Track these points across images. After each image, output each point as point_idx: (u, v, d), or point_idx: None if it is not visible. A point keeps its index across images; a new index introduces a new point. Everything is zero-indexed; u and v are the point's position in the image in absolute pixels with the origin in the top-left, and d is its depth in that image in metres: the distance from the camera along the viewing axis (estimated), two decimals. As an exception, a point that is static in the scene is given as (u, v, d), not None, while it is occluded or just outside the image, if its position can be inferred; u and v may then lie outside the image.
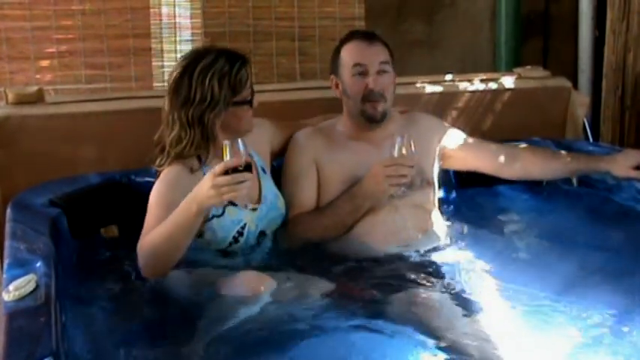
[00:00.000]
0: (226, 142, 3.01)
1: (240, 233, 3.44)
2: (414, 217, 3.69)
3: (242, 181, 2.97)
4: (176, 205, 3.10)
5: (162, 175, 3.38)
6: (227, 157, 2.98)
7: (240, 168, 2.96)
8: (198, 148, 3.37)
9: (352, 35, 3.80)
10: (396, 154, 3.41)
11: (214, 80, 3.34)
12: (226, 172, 2.95)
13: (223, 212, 3.38)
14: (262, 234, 3.55)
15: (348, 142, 3.77)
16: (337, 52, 3.79)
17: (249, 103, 3.46)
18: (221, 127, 3.41)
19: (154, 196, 3.32)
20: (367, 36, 3.76)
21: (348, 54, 3.72)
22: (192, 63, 3.39)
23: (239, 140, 3.02)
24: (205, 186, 2.99)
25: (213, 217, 3.36)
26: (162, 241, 3.11)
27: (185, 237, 3.12)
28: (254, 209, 3.46)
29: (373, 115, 3.69)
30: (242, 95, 3.42)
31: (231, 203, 3.38)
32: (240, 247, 3.48)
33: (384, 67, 3.68)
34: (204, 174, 3.15)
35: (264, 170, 3.63)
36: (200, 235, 3.34)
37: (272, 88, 4.45)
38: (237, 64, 3.40)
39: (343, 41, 3.79)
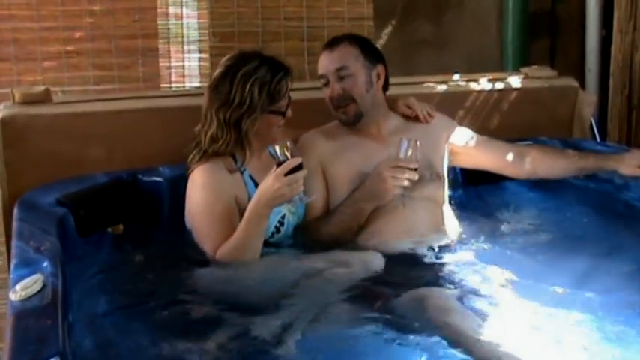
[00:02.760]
0: (277, 145, 3.25)
1: (282, 223, 3.54)
2: (426, 211, 3.71)
3: (302, 178, 3.27)
4: (229, 211, 3.41)
5: (200, 177, 3.47)
6: (280, 157, 3.23)
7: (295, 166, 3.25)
8: (233, 149, 3.48)
9: None
10: (401, 156, 3.43)
11: (255, 87, 3.44)
12: (291, 171, 3.24)
13: None
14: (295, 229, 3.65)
15: (353, 140, 3.78)
16: None
17: (283, 114, 3.54)
18: (254, 133, 3.50)
19: (203, 207, 3.45)
20: (329, 44, 3.79)
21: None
22: (235, 65, 3.49)
23: (288, 142, 3.25)
24: (274, 187, 3.24)
25: None
26: (241, 252, 3.35)
27: (260, 239, 3.38)
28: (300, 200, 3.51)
29: (346, 121, 3.76)
30: (278, 105, 3.51)
31: None
32: (281, 238, 3.57)
33: (342, 72, 3.70)
34: (241, 175, 3.47)
35: None
36: None
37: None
38: (279, 74, 3.50)
39: None
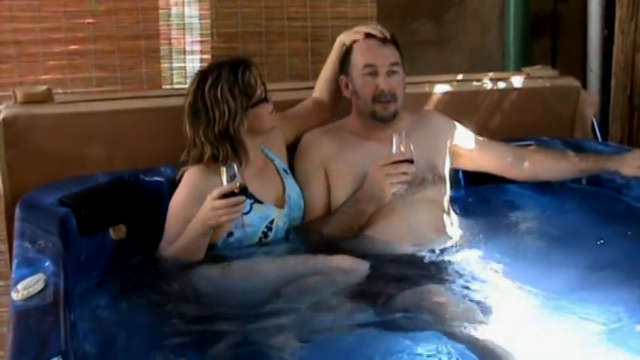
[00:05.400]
0: (223, 168, 3.24)
1: (269, 228, 3.55)
2: (428, 212, 3.71)
3: (237, 204, 3.24)
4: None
5: (188, 176, 3.50)
6: (224, 181, 3.22)
7: (236, 191, 3.20)
8: (232, 159, 3.45)
9: (364, 35, 3.79)
10: (394, 151, 3.42)
11: (226, 93, 3.44)
12: (224, 196, 3.21)
13: (250, 209, 3.49)
14: (287, 231, 3.65)
15: (358, 141, 3.78)
16: (348, 52, 3.80)
17: (265, 99, 3.53)
18: (247, 132, 3.51)
19: (176, 203, 3.48)
20: (380, 35, 3.76)
21: (360, 54, 3.75)
22: (199, 85, 3.50)
23: (234, 165, 3.23)
24: (206, 207, 3.26)
25: (242, 214, 3.45)
26: (181, 255, 3.40)
27: (198, 252, 3.41)
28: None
29: (384, 116, 3.71)
30: (256, 96, 3.51)
31: (257, 201, 3.52)
32: (270, 243, 3.56)
33: (394, 68, 3.70)
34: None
35: (285, 171, 3.73)
36: (230, 234, 3.48)
37: (282, 87, 4.44)
38: (240, 69, 3.49)
39: (354, 41, 3.80)
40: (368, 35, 3.78)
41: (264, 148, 3.70)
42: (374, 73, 3.69)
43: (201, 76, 3.53)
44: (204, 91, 3.46)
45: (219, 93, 3.44)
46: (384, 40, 3.75)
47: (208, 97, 3.45)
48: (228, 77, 3.46)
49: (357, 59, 3.75)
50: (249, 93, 3.48)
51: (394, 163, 3.42)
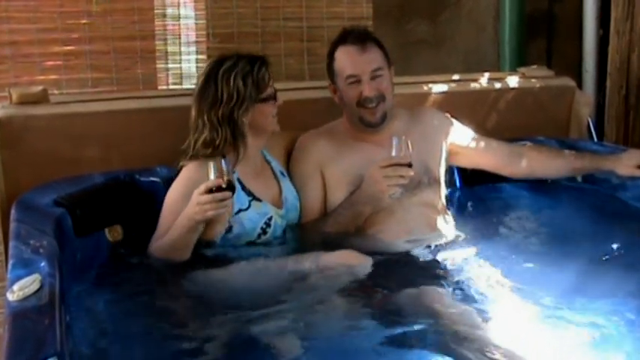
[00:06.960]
0: (210, 163, 3.22)
1: (268, 224, 3.56)
2: (424, 215, 3.72)
3: (223, 199, 3.22)
4: None
5: (184, 172, 3.50)
6: (211, 176, 3.19)
7: (224, 186, 3.18)
8: (229, 148, 3.48)
9: (344, 38, 3.75)
10: (393, 154, 3.41)
11: (239, 79, 3.47)
12: (210, 191, 3.20)
13: (249, 206, 3.51)
14: (285, 231, 3.67)
15: (353, 142, 3.78)
16: (331, 57, 3.78)
17: (274, 98, 3.57)
18: (249, 126, 3.52)
19: (170, 197, 3.49)
20: (359, 40, 3.72)
21: (342, 64, 3.73)
22: (215, 67, 3.52)
23: (222, 161, 3.21)
24: (192, 203, 3.25)
25: (240, 210, 3.50)
26: (168, 251, 3.40)
27: (185, 248, 3.41)
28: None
29: (372, 122, 3.71)
30: (266, 92, 3.55)
31: (256, 198, 3.54)
32: (268, 240, 3.58)
33: (377, 72, 3.68)
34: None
35: (282, 174, 3.74)
36: (229, 230, 3.49)
37: (278, 88, 4.44)
38: (257, 63, 3.53)
39: (336, 43, 3.77)
40: (347, 38, 3.75)
41: (262, 150, 3.70)
42: (357, 82, 3.68)
43: (218, 60, 3.56)
44: (217, 72, 3.49)
45: (232, 77, 3.47)
46: (363, 45, 3.70)
47: (221, 78, 3.48)
48: (245, 66, 3.50)
49: (340, 69, 3.74)
50: (261, 87, 3.52)
51: (393, 165, 3.42)
